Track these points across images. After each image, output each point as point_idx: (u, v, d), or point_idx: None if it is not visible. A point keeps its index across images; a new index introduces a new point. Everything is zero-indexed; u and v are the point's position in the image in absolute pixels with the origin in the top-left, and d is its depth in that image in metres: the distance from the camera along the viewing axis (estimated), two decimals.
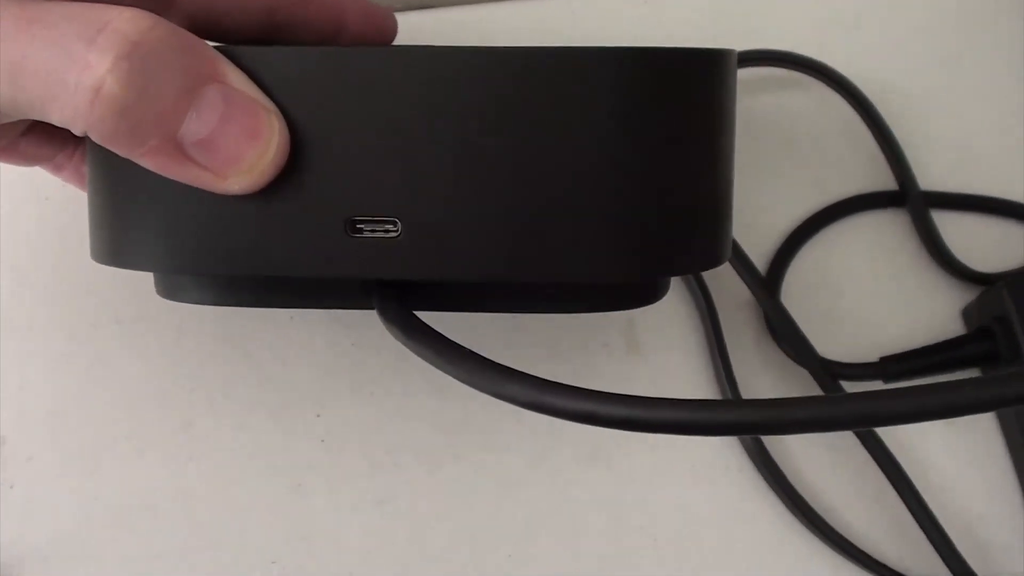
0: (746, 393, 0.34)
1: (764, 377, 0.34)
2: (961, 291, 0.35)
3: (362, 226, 0.23)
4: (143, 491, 0.33)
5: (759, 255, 0.35)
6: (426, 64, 0.22)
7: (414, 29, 0.36)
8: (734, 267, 0.34)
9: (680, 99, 0.24)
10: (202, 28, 0.27)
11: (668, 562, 0.33)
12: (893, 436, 0.33)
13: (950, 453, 0.34)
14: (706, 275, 0.35)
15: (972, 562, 0.31)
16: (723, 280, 0.35)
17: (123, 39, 0.20)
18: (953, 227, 0.36)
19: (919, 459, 0.33)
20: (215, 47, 0.22)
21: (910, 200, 0.36)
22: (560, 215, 0.23)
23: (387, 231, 0.23)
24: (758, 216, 0.36)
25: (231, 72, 0.22)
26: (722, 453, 0.33)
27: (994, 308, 0.33)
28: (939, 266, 0.35)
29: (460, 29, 0.37)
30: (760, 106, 0.37)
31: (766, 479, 0.33)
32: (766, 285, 0.34)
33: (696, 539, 0.33)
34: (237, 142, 0.21)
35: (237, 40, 0.28)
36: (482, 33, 0.37)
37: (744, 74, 0.37)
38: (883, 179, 0.36)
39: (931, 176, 0.36)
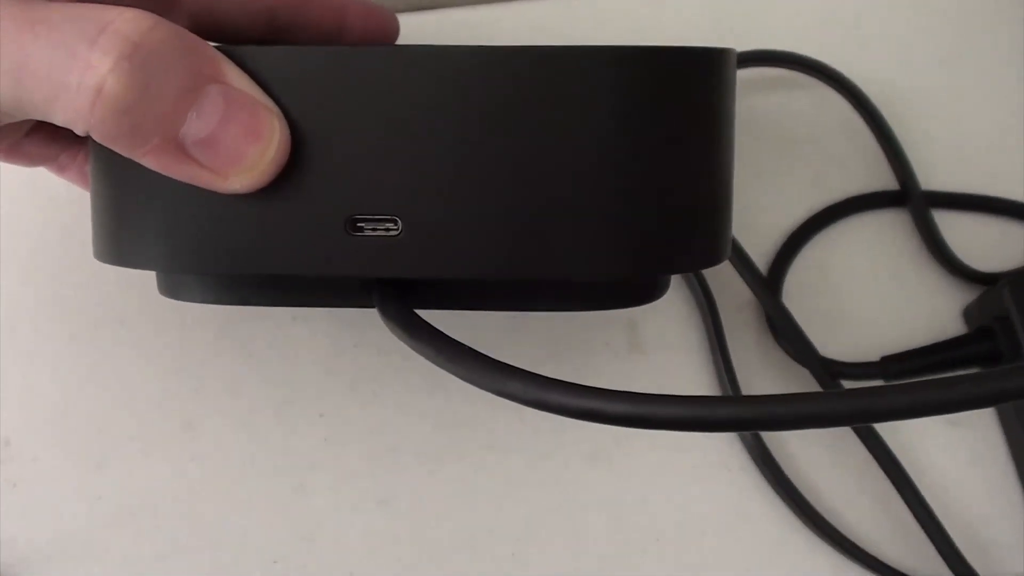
0: (747, 392, 0.34)
1: (765, 376, 0.34)
2: (962, 291, 0.35)
3: (363, 225, 0.23)
4: (146, 491, 0.33)
5: (760, 255, 0.36)
6: (426, 63, 0.22)
7: (416, 30, 0.36)
8: (735, 267, 0.34)
9: (680, 98, 0.24)
10: (204, 29, 0.27)
11: (669, 561, 0.33)
12: (894, 435, 0.33)
13: (951, 452, 0.34)
14: (707, 275, 0.35)
15: (973, 561, 0.31)
16: (724, 280, 0.35)
17: (124, 39, 0.20)
18: (954, 227, 0.36)
19: (920, 458, 0.33)
20: (216, 47, 0.22)
21: (911, 200, 0.36)
22: (560, 213, 0.23)
23: (388, 230, 0.23)
24: (759, 216, 0.36)
25: (232, 72, 0.22)
26: (723, 452, 0.33)
27: (995, 308, 0.33)
28: (940, 266, 0.35)
29: (462, 30, 0.37)
30: (761, 106, 0.37)
31: (767, 478, 0.33)
32: (767, 285, 0.34)
33: (698, 538, 0.33)
34: (238, 141, 0.22)
35: (239, 41, 0.28)
36: (484, 34, 0.37)
37: (745, 74, 0.37)
38: (884, 179, 0.37)
39: (932, 176, 0.36)
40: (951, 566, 0.31)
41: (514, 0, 0.38)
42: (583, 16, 0.38)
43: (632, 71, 0.23)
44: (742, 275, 0.34)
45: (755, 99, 0.37)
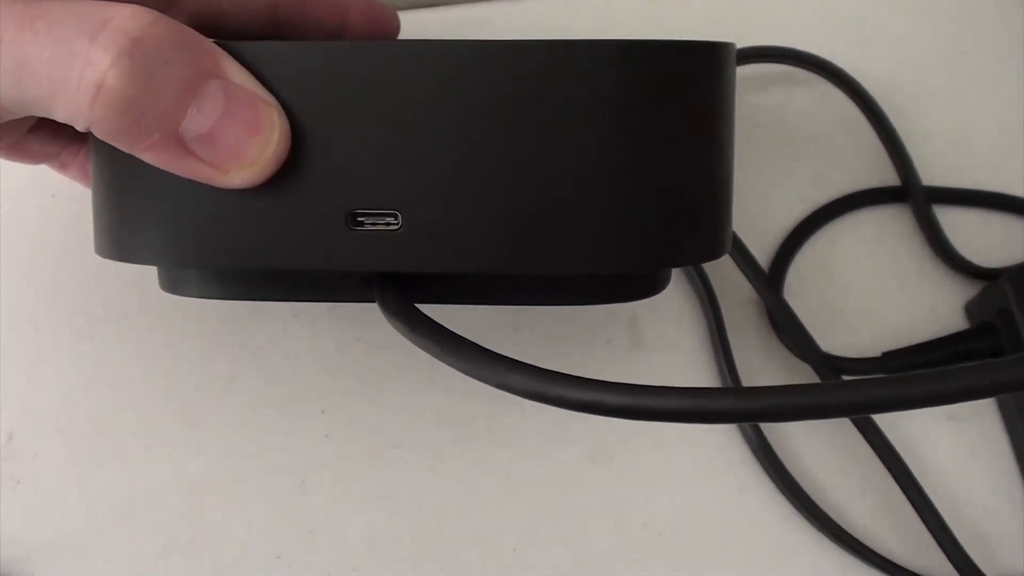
0: (749, 385, 0.34)
1: (767, 372, 0.34)
2: (963, 286, 0.35)
3: (363, 219, 0.23)
4: (149, 487, 0.33)
5: (762, 251, 0.36)
6: (426, 59, 0.22)
7: (417, 27, 0.36)
8: (737, 263, 0.34)
9: (680, 93, 0.24)
10: (206, 26, 0.27)
11: (672, 557, 0.33)
12: (896, 430, 0.33)
13: (953, 447, 0.34)
14: (709, 271, 0.35)
15: (975, 555, 0.31)
16: (726, 276, 0.35)
17: (124, 35, 0.20)
18: (955, 222, 0.36)
19: (922, 453, 0.33)
20: (217, 43, 0.22)
21: (912, 195, 0.36)
22: (560, 209, 0.23)
23: (388, 224, 0.23)
24: (761, 212, 0.36)
25: (232, 67, 0.22)
26: (725, 448, 0.34)
27: (997, 302, 0.33)
28: (941, 261, 0.35)
29: (462, 27, 0.38)
30: (763, 102, 0.37)
31: (769, 474, 0.33)
32: (769, 281, 0.34)
33: (699, 535, 0.33)
34: (238, 136, 0.22)
35: (240, 37, 0.28)
36: (484, 31, 0.38)
37: (747, 70, 0.37)
38: (885, 175, 0.37)
39: (933, 172, 0.36)
40: (953, 560, 0.31)
41: None
42: (586, 12, 0.38)
43: (632, 66, 0.23)
44: (743, 271, 0.34)
45: (756, 95, 0.37)
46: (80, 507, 0.33)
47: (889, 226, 0.36)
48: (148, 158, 0.22)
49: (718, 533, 0.33)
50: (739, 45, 0.37)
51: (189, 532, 0.32)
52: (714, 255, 0.26)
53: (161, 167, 0.22)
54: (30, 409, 0.33)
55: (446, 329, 0.22)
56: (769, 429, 0.33)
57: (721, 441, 0.34)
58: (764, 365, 0.34)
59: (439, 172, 0.23)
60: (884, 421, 0.33)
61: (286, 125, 0.22)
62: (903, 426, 0.33)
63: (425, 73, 0.22)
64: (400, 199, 0.23)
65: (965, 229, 0.36)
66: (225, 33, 0.28)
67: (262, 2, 0.27)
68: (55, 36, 0.21)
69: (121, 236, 0.25)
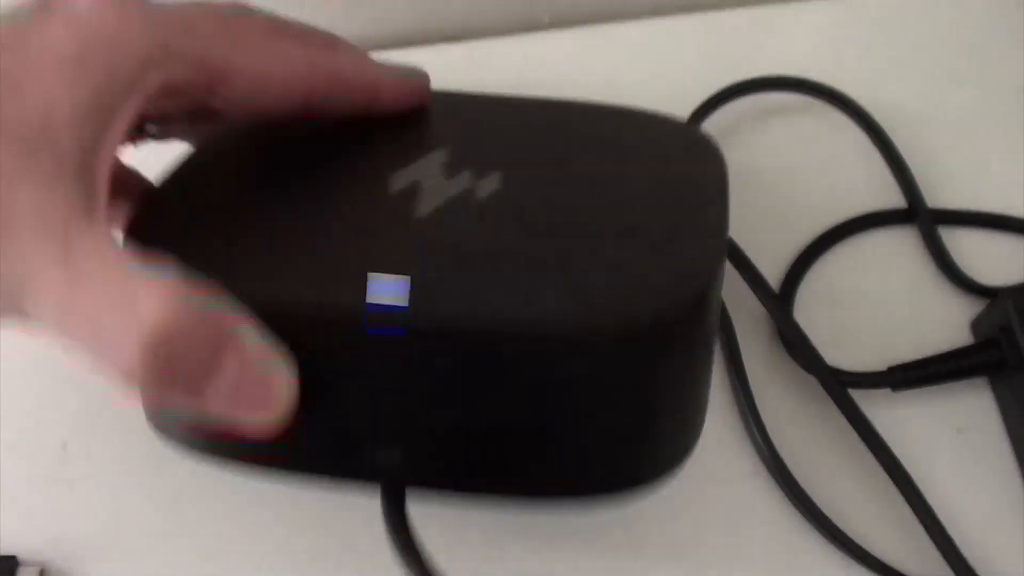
0: (760, 399, 0.35)
1: (776, 384, 0.35)
2: (968, 304, 0.36)
3: (367, 454, 0.26)
4: (196, 488, 0.34)
5: (773, 271, 0.37)
6: (426, 347, 0.24)
7: (445, 63, 0.38)
8: (748, 284, 0.35)
9: (665, 362, 0.26)
10: (245, 109, 0.29)
11: (682, 563, 0.33)
12: (902, 443, 0.33)
13: (958, 459, 0.34)
14: (722, 292, 0.36)
15: (979, 569, 0.32)
16: (739, 296, 0.36)
17: (151, 332, 0.22)
18: (960, 243, 0.37)
19: (928, 465, 0.34)
20: (238, 311, 0.24)
21: (919, 217, 0.37)
22: (540, 467, 0.26)
23: (388, 456, 0.26)
24: (772, 234, 0.37)
25: (248, 340, 0.24)
26: (734, 456, 0.34)
27: (999, 319, 0.34)
28: (947, 280, 0.36)
29: (466, 64, 0.40)
30: (774, 129, 0.39)
31: (779, 483, 0.34)
32: (779, 301, 0.35)
33: (710, 542, 0.34)
34: (251, 404, 0.24)
35: (278, 114, 0.29)
36: (488, 70, 0.39)
37: (759, 99, 0.39)
38: (892, 198, 0.38)
39: (938, 194, 0.37)
40: (955, 569, 0.32)
41: (528, 33, 0.40)
42: (600, 46, 0.40)
43: (611, 360, 0.25)
44: (755, 292, 0.35)
45: (769, 123, 0.39)
46: (130, 509, 0.34)
47: (896, 247, 0.37)
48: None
49: (726, 540, 0.34)
50: (750, 75, 0.38)
51: (232, 532, 0.34)
52: (682, 463, 0.28)
53: (186, 422, 0.25)
54: (83, 414, 0.35)
55: (426, 567, 0.25)
56: (778, 439, 0.34)
57: (730, 451, 0.34)
58: (774, 377, 0.35)
59: (436, 428, 0.25)
60: (889, 433, 0.33)
61: (295, 386, 0.24)
62: (909, 438, 0.34)
63: (426, 354, 0.25)
64: (400, 440, 0.26)
65: (970, 249, 0.37)
66: (264, 112, 0.29)
67: (299, 88, 0.29)
68: (91, 309, 0.23)
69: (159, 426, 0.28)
